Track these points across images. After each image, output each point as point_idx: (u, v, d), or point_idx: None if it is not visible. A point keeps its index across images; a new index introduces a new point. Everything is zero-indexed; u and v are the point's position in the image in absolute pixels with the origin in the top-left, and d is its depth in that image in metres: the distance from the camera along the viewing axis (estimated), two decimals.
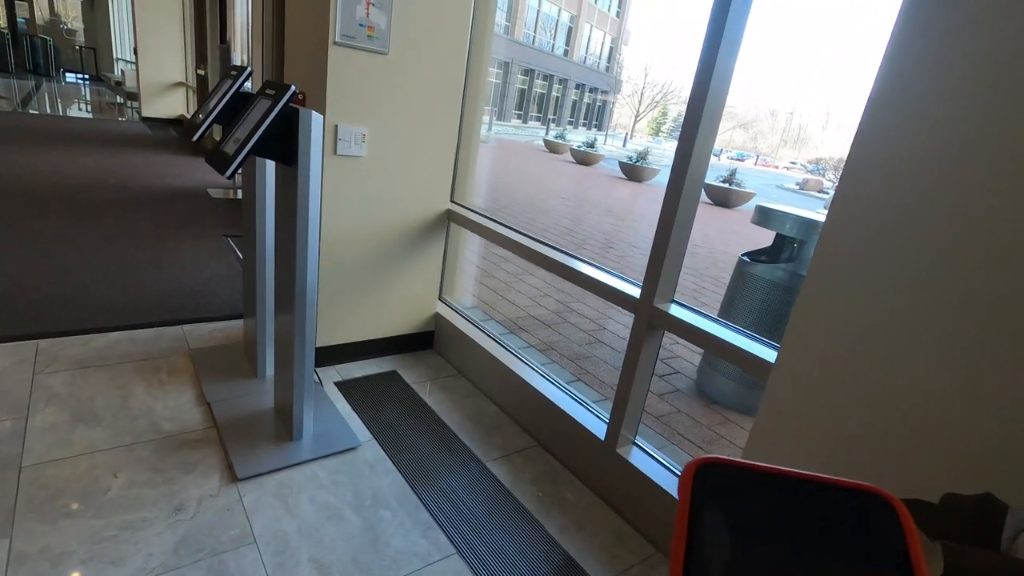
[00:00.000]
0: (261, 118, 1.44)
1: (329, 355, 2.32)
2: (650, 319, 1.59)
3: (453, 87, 2.25)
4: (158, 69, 8.14)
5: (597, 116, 36.63)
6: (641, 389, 1.70)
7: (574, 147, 17.80)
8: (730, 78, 1.43)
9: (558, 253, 2.02)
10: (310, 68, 2.05)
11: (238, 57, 5.41)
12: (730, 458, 0.22)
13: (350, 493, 1.65)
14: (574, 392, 2.06)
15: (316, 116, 1.52)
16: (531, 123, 30.68)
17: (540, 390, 2.04)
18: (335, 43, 1.91)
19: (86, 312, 2.44)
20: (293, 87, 1.46)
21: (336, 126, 2.01)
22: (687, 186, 1.48)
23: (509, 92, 29.55)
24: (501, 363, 2.21)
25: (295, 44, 2.20)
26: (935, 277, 0.86)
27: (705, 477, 0.21)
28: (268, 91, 1.52)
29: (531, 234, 2.20)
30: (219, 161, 1.45)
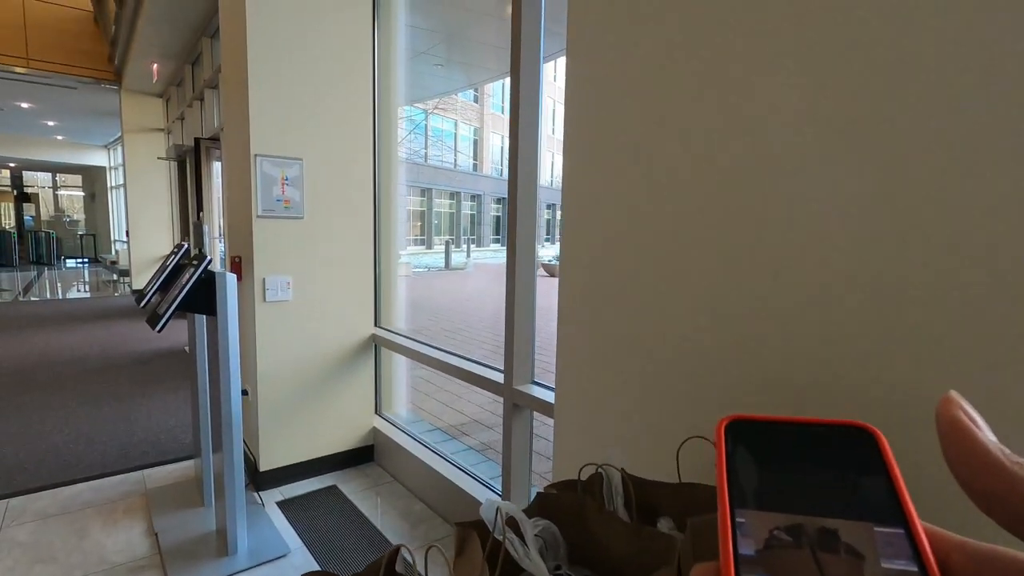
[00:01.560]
0: (185, 282, 1.88)
1: (272, 478, 2.57)
2: (514, 400, 1.92)
3: (364, 234, 2.75)
4: (147, 246, 8.97)
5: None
6: (522, 462, 1.97)
7: (544, 262, 18.83)
8: (537, 168, 1.85)
9: (450, 356, 2.38)
10: (243, 236, 2.55)
11: (215, 228, 6.14)
12: (749, 415, 0.26)
13: None
14: (487, 480, 2.31)
15: (230, 276, 1.96)
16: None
17: (460, 484, 2.29)
18: (258, 216, 2.43)
19: (56, 469, 2.71)
20: (209, 257, 1.92)
21: (264, 279, 2.46)
22: (519, 273, 1.87)
23: (484, 220, 31.43)
24: (429, 466, 2.46)
25: (233, 217, 2.74)
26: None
27: (732, 431, 0.25)
28: (194, 261, 1.98)
29: (436, 345, 2.58)
30: (152, 319, 1.85)
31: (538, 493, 0.88)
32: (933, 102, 0.72)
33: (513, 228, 1.87)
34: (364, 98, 2.68)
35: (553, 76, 8.69)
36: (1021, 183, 0.65)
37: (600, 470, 0.88)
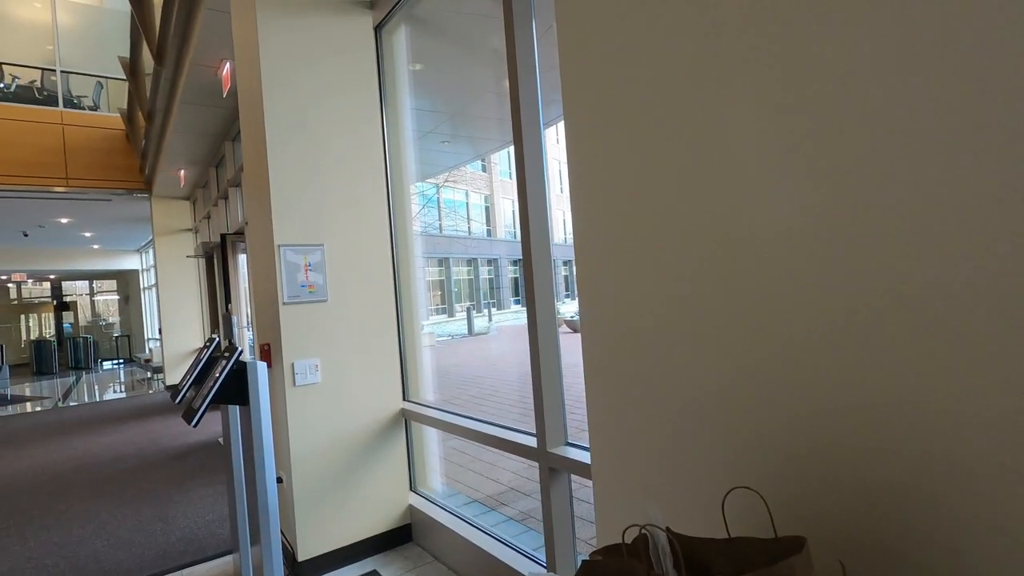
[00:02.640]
0: (218, 375, 1.93)
1: (312, 568, 2.51)
2: (549, 464, 1.87)
3: (386, 309, 2.81)
4: (179, 341, 9.22)
5: None
6: (564, 529, 1.90)
7: (567, 318, 18.77)
8: (548, 229, 1.89)
9: (480, 423, 2.36)
10: (271, 323, 2.63)
11: (243, 318, 6.32)
12: None
13: None
14: (530, 552, 2.22)
15: (260, 365, 2.00)
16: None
17: (503, 559, 2.20)
18: (284, 303, 2.51)
19: None
20: (240, 348, 1.97)
21: (292, 364, 2.51)
22: (541, 333, 1.88)
23: (503, 283, 31.69)
24: (469, 541, 2.38)
25: (260, 306, 2.82)
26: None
27: None
28: (225, 354, 2.03)
29: (465, 413, 2.56)
30: (187, 414, 1.89)
31: (583, 562, 0.85)
32: (934, 102, 0.74)
33: (531, 288, 1.89)
34: (378, 180, 2.81)
35: (556, 139, 9.01)
36: (992, 196, 0.66)
37: (644, 531, 0.85)
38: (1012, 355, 0.67)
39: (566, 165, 1.30)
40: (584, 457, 1.79)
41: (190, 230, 8.96)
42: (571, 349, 2.03)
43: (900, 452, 0.78)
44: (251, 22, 2.58)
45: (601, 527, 1.31)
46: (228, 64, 4.03)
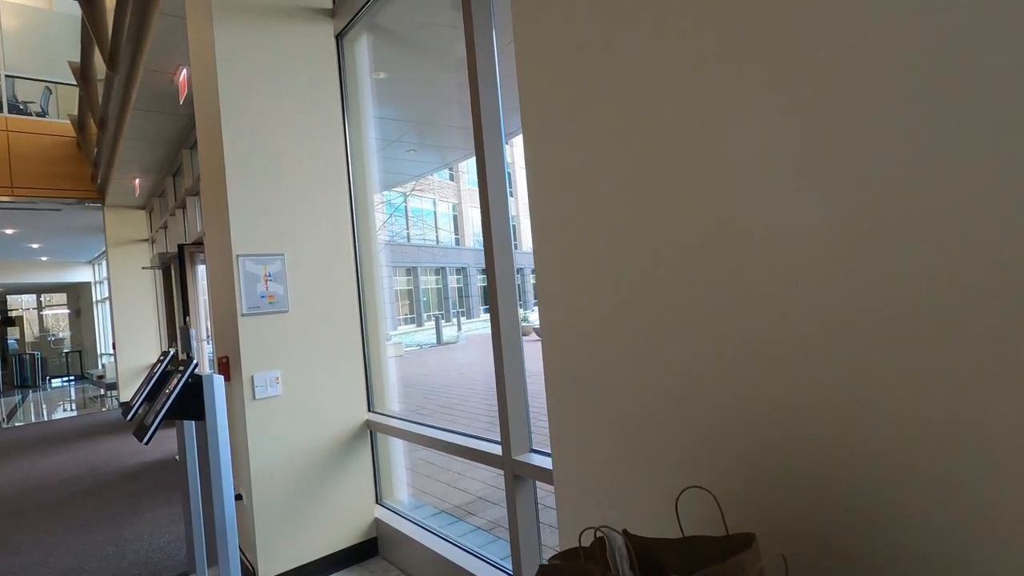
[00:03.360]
0: (172, 389, 1.86)
1: None
2: (514, 471, 1.88)
3: (350, 320, 2.77)
4: (134, 356, 8.87)
5: None
6: (530, 536, 1.90)
7: (535, 327, 18.84)
8: (511, 237, 1.91)
9: (446, 433, 2.35)
10: (230, 335, 2.56)
11: (202, 331, 6.13)
12: None
13: None
14: (497, 561, 2.21)
15: (217, 378, 1.94)
16: None
17: (470, 569, 2.19)
18: (243, 315, 2.45)
19: None
20: (196, 361, 1.92)
21: (252, 376, 2.45)
22: (505, 342, 1.89)
23: (472, 292, 31.58)
24: (436, 553, 2.36)
25: (219, 318, 2.75)
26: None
27: None
28: (180, 367, 1.97)
29: (430, 423, 2.54)
30: (139, 431, 1.82)
31: (541, 566, 0.86)
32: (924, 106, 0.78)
33: (494, 296, 1.90)
34: (340, 189, 2.78)
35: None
36: (994, 202, 0.70)
37: (600, 533, 0.86)
38: (952, 360, 0.71)
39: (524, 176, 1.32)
40: (549, 463, 1.80)
41: (146, 241, 8.66)
42: (539, 357, 2.04)
43: (843, 450, 0.82)
44: (207, 28, 2.53)
45: (563, 532, 1.32)
46: (185, 70, 3.93)
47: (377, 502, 2.84)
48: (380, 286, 3.02)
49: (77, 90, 6.53)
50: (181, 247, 5.59)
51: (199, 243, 5.44)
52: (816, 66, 0.80)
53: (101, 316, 14.26)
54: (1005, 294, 0.65)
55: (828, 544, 0.84)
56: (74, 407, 10.64)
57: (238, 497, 2.40)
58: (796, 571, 0.88)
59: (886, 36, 0.73)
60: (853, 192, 0.78)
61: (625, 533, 0.88)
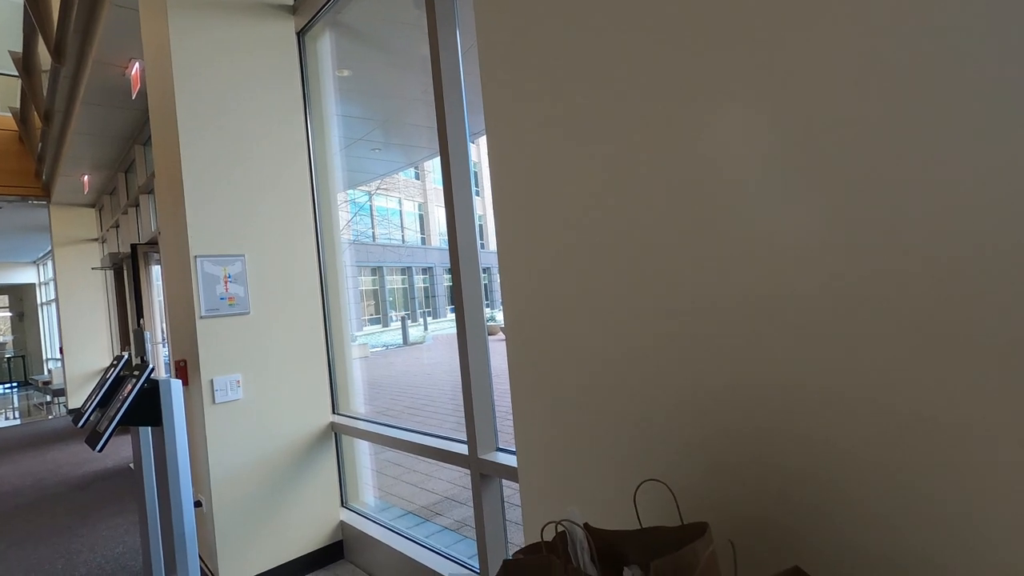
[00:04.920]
0: (127, 394, 1.81)
1: None
2: (480, 470, 1.89)
3: (314, 321, 2.73)
4: (84, 361, 8.49)
5: None
6: (497, 535, 1.92)
7: (503, 326, 18.87)
8: (476, 237, 1.92)
9: (411, 433, 2.34)
10: (187, 338, 2.49)
11: (157, 334, 5.91)
12: None
13: None
14: (464, 560, 2.22)
15: (175, 382, 1.89)
16: None
17: (436, 569, 2.19)
18: (201, 317, 2.38)
19: None
20: (152, 365, 1.86)
21: (212, 380, 2.39)
22: (471, 340, 1.90)
23: (438, 291, 31.35)
24: (403, 554, 2.35)
25: (176, 320, 2.67)
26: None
27: None
28: (135, 372, 1.91)
29: (396, 424, 2.53)
30: (92, 439, 1.76)
31: (504, 561, 0.88)
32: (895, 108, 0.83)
33: (459, 295, 1.91)
34: (303, 187, 2.74)
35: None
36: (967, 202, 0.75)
37: (561, 527, 0.89)
38: (891, 349, 0.76)
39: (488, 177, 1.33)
40: (515, 462, 1.82)
41: (96, 240, 8.30)
42: (505, 355, 2.06)
43: (784, 437, 0.86)
44: (162, 22, 2.45)
45: (528, 528, 1.34)
46: (138, 64, 3.79)
47: (342, 505, 2.81)
48: (344, 286, 2.98)
49: (19, 81, 6.20)
50: (134, 247, 5.38)
51: (154, 243, 5.26)
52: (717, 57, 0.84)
53: (47, 319, 13.59)
54: (941, 290, 0.70)
55: (778, 529, 0.89)
56: (17, 415, 10.10)
57: (197, 504, 2.35)
58: (748, 556, 0.93)
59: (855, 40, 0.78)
60: (813, 190, 0.82)
61: (586, 526, 0.91)
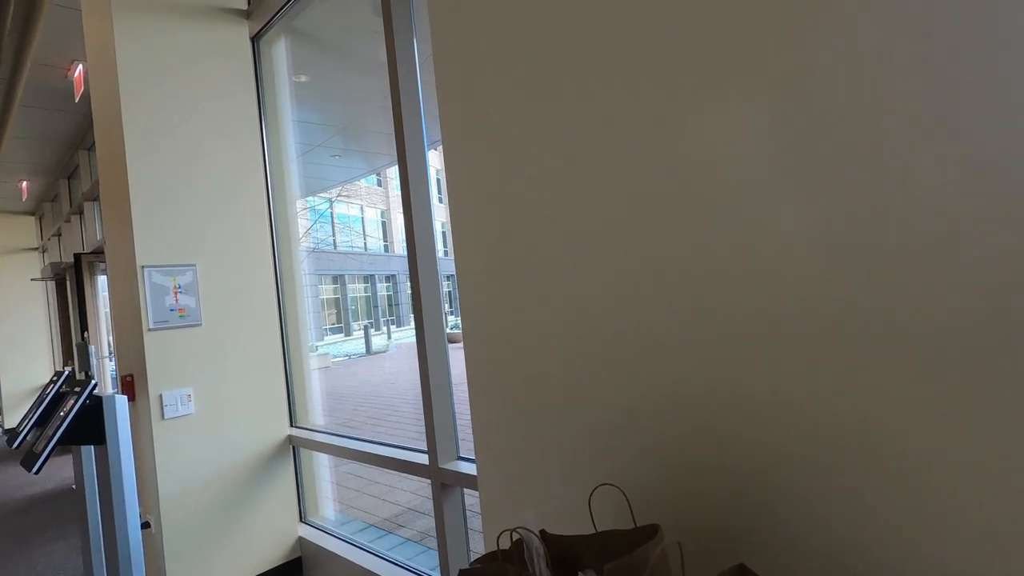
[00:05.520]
0: (67, 412, 1.72)
1: None
2: (441, 480, 1.88)
3: (270, 332, 2.66)
4: (23, 377, 8.02)
5: None
6: (458, 545, 1.91)
7: None
8: (434, 245, 1.91)
9: (370, 444, 2.31)
10: (135, 352, 2.39)
11: (103, 348, 5.64)
12: None
13: None
14: (426, 572, 2.20)
15: (119, 398, 1.81)
16: None
17: None
18: (149, 330, 2.29)
19: None
20: (95, 380, 1.78)
21: (160, 395, 2.29)
22: (430, 349, 1.88)
23: (402, 299, 30.97)
24: (364, 568, 2.30)
25: (122, 333, 2.56)
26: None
27: None
28: (76, 388, 1.82)
29: (355, 435, 2.49)
30: (27, 460, 1.66)
31: (460, 570, 0.88)
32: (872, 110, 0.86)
33: (419, 304, 1.90)
34: (258, 194, 2.67)
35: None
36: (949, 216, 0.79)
37: (516, 534, 0.89)
38: (835, 359, 0.80)
39: (445, 187, 1.34)
40: (475, 470, 1.81)
41: (36, 249, 7.88)
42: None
43: (734, 440, 0.89)
44: (106, 23, 2.36)
45: (488, 536, 1.34)
46: (80, 66, 3.64)
47: (301, 520, 2.74)
48: (303, 295, 2.92)
49: None
50: (78, 256, 5.14)
51: (99, 252, 5.03)
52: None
53: None
54: (878, 304, 0.74)
55: (728, 529, 0.92)
56: None
57: (145, 525, 2.25)
58: (700, 555, 0.95)
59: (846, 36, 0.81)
60: (788, 196, 0.85)
61: (542, 533, 0.91)
